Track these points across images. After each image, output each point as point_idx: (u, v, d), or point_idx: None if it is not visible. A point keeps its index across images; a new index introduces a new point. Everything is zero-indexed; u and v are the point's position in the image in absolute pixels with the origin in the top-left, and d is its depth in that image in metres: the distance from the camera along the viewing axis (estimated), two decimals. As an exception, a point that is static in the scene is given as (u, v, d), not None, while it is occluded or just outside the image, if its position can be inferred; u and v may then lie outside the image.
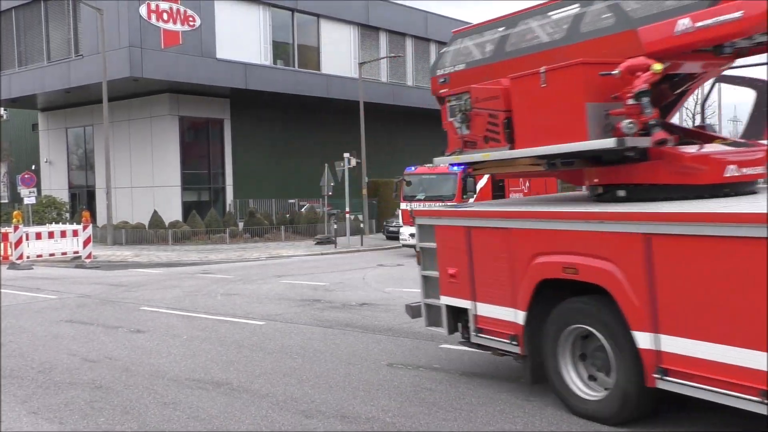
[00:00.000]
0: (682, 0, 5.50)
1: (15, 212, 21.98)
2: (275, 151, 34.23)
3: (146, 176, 31.98)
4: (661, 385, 5.06)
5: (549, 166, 6.44)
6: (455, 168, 21.66)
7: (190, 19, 28.93)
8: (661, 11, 5.62)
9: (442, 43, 40.40)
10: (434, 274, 7.12)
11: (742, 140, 6.44)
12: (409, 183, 22.66)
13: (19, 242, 20.75)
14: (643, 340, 5.13)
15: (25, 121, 42.19)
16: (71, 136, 35.94)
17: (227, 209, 32.45)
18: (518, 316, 6.19)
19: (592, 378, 5.87)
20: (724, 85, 7.65)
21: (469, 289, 6.67)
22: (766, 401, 4.43)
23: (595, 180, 6.35)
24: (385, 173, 34.84)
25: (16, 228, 20.80)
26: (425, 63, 40.22)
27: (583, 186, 6.94)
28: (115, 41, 27.64)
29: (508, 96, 6.27)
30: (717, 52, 5.64)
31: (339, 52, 35.38)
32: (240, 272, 18.55)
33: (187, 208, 31.24)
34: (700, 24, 5.35)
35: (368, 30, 37.09)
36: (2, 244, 21.63)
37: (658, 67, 5.40)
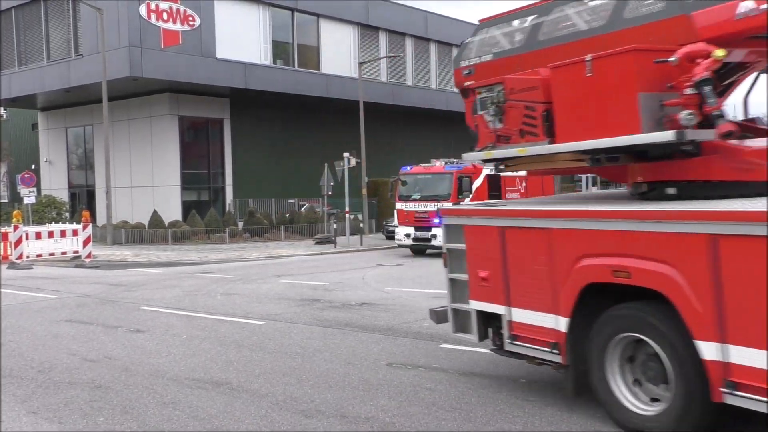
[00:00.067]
0: None
1: (15, 212, 21.99)
2: (275, 151, 34.25)
3: (146, 176, 31.99)
4: (730, 400, 4.58)
5: (593, 162, 6.00)
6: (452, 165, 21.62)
7: (190, 18, 28.94)
8: None
9: (442, 43, 40.52)
10: (463, 277, 6.68)
11: None
12: (404, 183, 22.57)
13: (18, 242, 20.75)
14: (709, 350, 4.65)
15: (25, 120, 42.18)
16: (71, 136, 35.96)
17: (227, 209, 32.46)
18: (560, 323, 5.72)
19: (637, 382, 5.45)
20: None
21: (503, 294, 6.23)
22: None
23: (639, 177, 5.86)
24: (384, 173, 34.80)
25: (15, 227, 20.79)
26: (425, 63, 40.27)
27: (623, 184, 6.52)
28: (114, 41, 27.65)
29: (548, 87, 5.78)
30: None
31: (339, 52, 35.39)
32: (239, 272, 18.55)
33: (186, 207, 31.27)
34: (765, 6, 4.87)
35: (368, 30, 37.10)
36: (2, 244, 21.60)
37: (720, 53, 4.97)
